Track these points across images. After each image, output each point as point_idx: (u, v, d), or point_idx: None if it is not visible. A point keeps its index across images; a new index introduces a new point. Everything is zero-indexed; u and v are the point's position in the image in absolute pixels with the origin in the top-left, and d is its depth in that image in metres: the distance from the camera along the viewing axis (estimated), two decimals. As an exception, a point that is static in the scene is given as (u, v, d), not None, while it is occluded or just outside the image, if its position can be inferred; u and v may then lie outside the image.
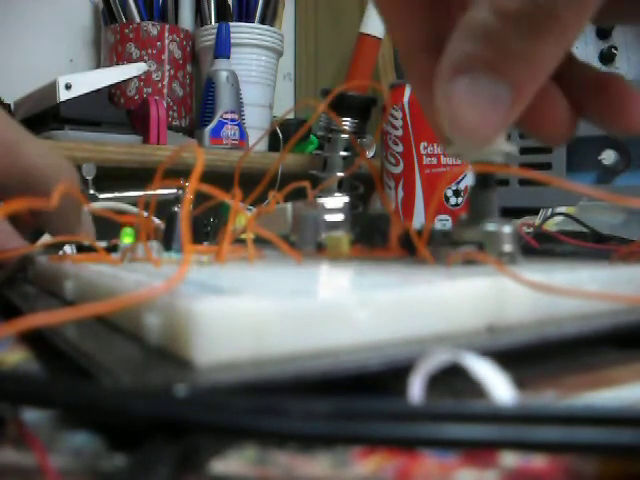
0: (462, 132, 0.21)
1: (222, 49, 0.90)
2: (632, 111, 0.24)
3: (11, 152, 0.30)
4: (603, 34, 0.85)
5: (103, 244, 0.35)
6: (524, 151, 0.70)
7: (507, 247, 0.25)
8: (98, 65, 1.02)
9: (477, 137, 0.21)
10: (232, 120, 0.88)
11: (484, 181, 0.26)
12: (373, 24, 0.85)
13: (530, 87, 0.21)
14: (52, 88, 0.76)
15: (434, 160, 0.62)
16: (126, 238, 0.30)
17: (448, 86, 0.21)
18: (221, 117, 0.88)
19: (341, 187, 0.79)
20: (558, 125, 0.25)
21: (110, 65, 0.93)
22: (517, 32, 0.20)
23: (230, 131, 0.88)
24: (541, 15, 0.19)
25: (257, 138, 0.80)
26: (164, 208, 0.33)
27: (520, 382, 0.15)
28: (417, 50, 0.25)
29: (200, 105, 0.91)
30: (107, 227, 0.36)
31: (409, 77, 0.26)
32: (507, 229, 0.25)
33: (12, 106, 0.85)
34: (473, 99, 0.21)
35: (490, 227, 0.25)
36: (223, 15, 0.98)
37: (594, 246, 0.37)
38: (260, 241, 0.29)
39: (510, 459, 0.13)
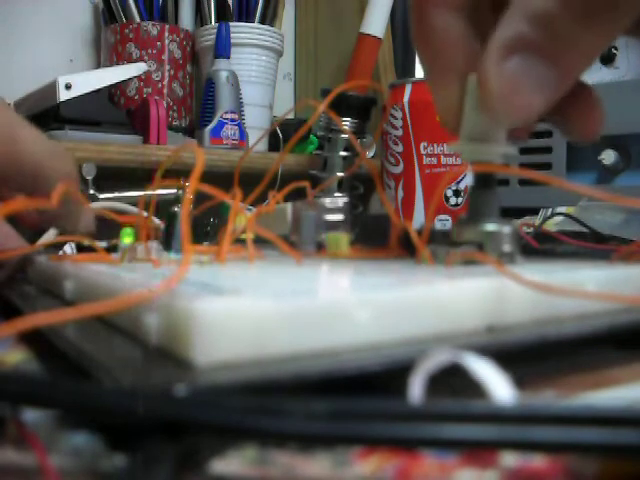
0: (509, 109, 0.22)
1: (222, 49, 0.90)
2: (595, 120, 0.25)
3: (7, 137, 0.30)
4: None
5: (103, 244, 0.35)
6: (524, 151, 0.70)
7: (507, 247, 0.25)
8: (98, 65, 1.02)
9: (520, 116, 0.22)
10: (232, 120, 0.88)
11: (484, 181, 0.26)
12: (373, 24, 0.85)
13: (575, 73, 0.22)
14: (52, 88, 0.75)
15: (434, 160, 0.62)
16: (126, 238, 0.30)
17: (500, 64, 0.22)
18: (221, 117, 0.87)
19: (341, 187, 0.79)
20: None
21: (110, 65, 0.92)
22: (572, 19, 0.21)
23: (230, 131, 0.88)
24: (598, 4, 0.20)
25: (257, 138, 0.80)
26: (164, 208, 0.33)
27: (520, 382, 0.15)
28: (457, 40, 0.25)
29: (200, 105, 0.91)
30: (107, 227, 0.36)
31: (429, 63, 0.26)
32: (507, 229, 0.25)
33: (12, 106, 0.85)
34: (523, 79, 0.22)
35: (490, 227, 0.25)
36: (223, 15, 0.97)
37: (594, 246, 0.37)
38: (260, 241, 0.29)
39: (510, 459, 0.13)
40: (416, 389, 0.15)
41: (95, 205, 0.56)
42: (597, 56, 0.22)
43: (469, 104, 0.25)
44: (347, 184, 0.79)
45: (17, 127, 0.30)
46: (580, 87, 0.25)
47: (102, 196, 0.62)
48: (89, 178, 0.63)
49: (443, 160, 0.62)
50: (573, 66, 0.22)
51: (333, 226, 0.33)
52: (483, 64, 0.22)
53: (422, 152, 0.63)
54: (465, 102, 0.25)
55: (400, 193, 0.64)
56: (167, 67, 0.93)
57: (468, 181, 0.26)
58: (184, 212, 0.21)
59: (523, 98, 0.22)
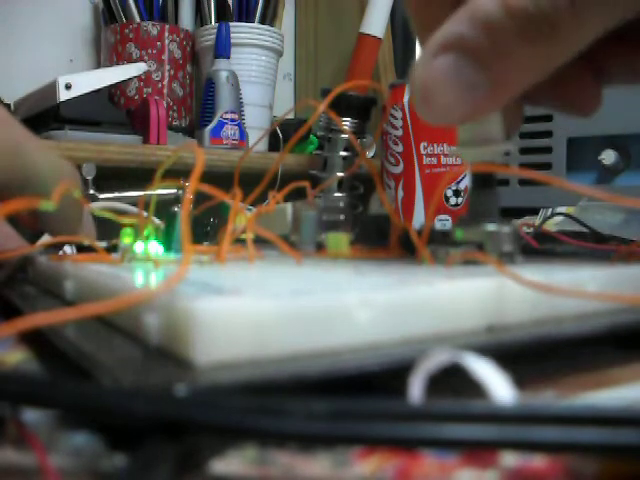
0: (427, 105, 0.22)
1: (222, 49, 0.90)
2: None
3: (12, 151, 0.29)
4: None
5: (103, 244, 0.35)
6: (524, 151, 0.70)
7: (507, 247, 0.25)
8: (98, 65, 1.02)
9: (439, 114, 0.22)
10: (232, 120, 0.88)
11: (484, 181, 0.26)
12: (373, 24, 0.85)
13: (509, 86, 0.21)
14: (52, 88, 0.75)
15: (434, 160, 0.62)
16: (126, 238, 0.30)
17: (431, 59, 0.21)
18: (221, 117, 0.87)
19: (341, 187, 0.79)
20: (584, 99, 0.26)
21: (110, 65, 0.92)
22: (515, 30, 0.20)
23: (230, 131, 0.88)
24: (542, 21, 0.20)
25: (257, 138, 0.80)
26: (164, 208, 0.33)
27: (520, 382, 0.15)
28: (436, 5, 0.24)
29: (200, 105, 0.91)
30: (107, 227, 0.36)
31: (420, 31, 0.25)
32: (507, 229, 0.25)
33: (12, 106, 0.85)
34: (450, 79, 0.21)
35: (490, 227, 0.25)
36: (223, 15, 0.98)
37: (594, 246, 0.37)
38: (260, 241, 0.29)
39: (510, 459, 0.13)
40: (416, 389, 0.15)
41: (95, 205, 0.56)
42: (543, 74, 0.21)
43: None
44: (347, 184, 0.79)
45: (22, 140, 0.30)
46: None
47: (102, 196, 0.62)
48: (89, 178, 0.63)
49: (443, 160, 0.62)
50: (507, 76, 0.21)
51: (333, 226, 0.33)
52: (419, 56, 0.22)
53: (422, 152, 0.63)
54: None
55: (400, 193, 0.64)
56: (167, 67, 0.93)
57: (468, 181, 0.26)
58: (184, 212, 0.21)
59: (444, 97, 0.21)
